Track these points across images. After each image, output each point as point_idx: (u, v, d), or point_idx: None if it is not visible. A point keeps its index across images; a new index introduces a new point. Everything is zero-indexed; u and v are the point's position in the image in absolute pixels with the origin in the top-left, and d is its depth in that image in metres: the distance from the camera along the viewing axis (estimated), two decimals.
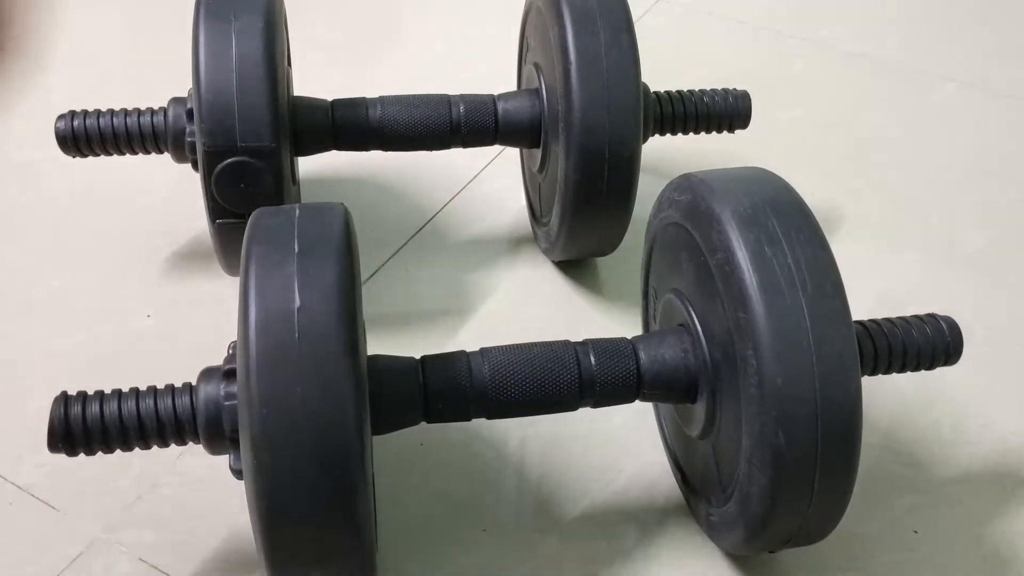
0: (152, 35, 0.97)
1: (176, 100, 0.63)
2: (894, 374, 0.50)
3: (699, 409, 0.50)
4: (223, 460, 0.44)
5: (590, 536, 0.55)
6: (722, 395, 0.47)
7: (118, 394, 0.45)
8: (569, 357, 0.50)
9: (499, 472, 0.58)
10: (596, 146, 0.59)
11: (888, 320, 0.50)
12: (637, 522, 0.56)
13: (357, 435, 0.39)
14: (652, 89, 0.66)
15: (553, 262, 0.73)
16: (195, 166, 0.60)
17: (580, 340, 0.51)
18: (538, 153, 0.67)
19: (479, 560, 0.54)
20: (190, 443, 0.45)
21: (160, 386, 0.45)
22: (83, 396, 0.44)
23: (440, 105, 0.66)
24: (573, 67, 0.59)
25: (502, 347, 0.50)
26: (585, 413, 0.52)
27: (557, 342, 0.51)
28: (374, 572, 0.44)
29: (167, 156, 0.64)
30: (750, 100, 0.68)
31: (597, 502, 0.57)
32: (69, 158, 0.65)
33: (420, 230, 0.76)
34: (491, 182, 0.80)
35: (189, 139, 0.59)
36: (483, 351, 0.50)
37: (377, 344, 0.53)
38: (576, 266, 0.72)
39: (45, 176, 0.79)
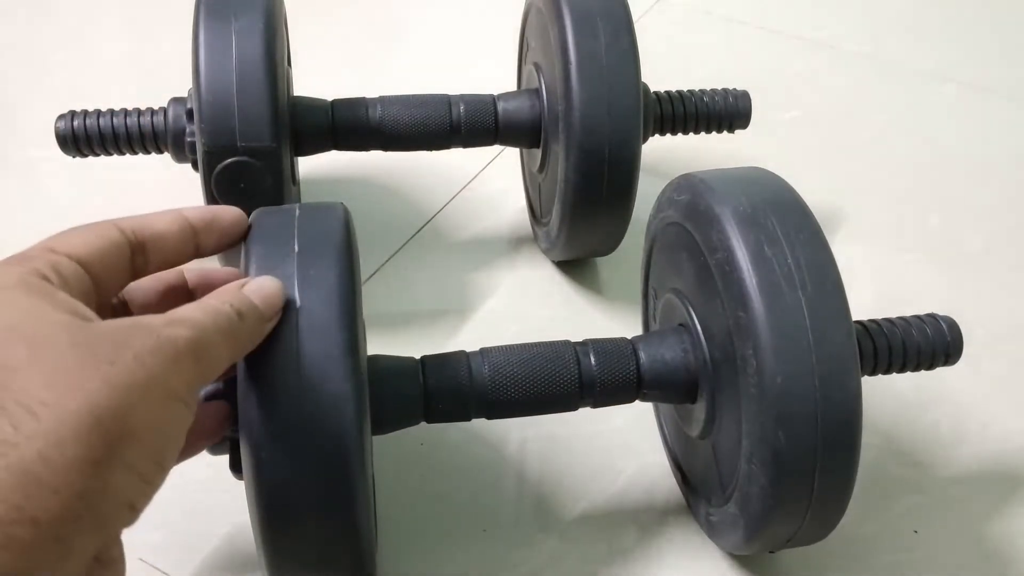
0: (152, 35, 0.97)
1: (176, 100, 0.63)
2: (894, 374, 0.50)
3: (699, 409, 0.50)
4: (223, 460, 0.44)
5: (590, 536, 0.55)
6: (722, 395, 0.47)
7: None
8: (569, 357, 0.50)
9: (499, 472, 0.58)
10: (596, 146, 0.59)
11: (888, 320, 0.50)
12: (637, 522, 0.56)
13: (357, 435, 0.39)
14: (652, 89, 0.66)
15: (553, 262, 0.73)
16: (195, 166, 0.60)
17: (580, 340, 0.51)
18: (538, 153, 0.67)
19: (479, 560, 0.54)
20: None
21: None
22: None
23: (440, 105, 0.66)
24: (573, 67, 0.59)
25: (502, 347, 0.50)
26: (585, 414, 0.52)
27: (557, 342, 0.51)
28: (374, 572, 0.44)
29: (167, 156, 0.64)
30: (750, 100, 0.68)
31: (597, 502, 0.57)
32: (69, 158, 0.65)
33: (420, 230, 0.76)
34: (491, 182, 0.80)
35: (189, 139, 0.59)
36: (483, 351, 0.50)
37: (377, 344, 0.52)
38: (576, 266, 0.72)
39: (45, 176, 0.79)
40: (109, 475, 0.29)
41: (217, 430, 0.41)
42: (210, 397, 0.43)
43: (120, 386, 0.30)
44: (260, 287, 0.38)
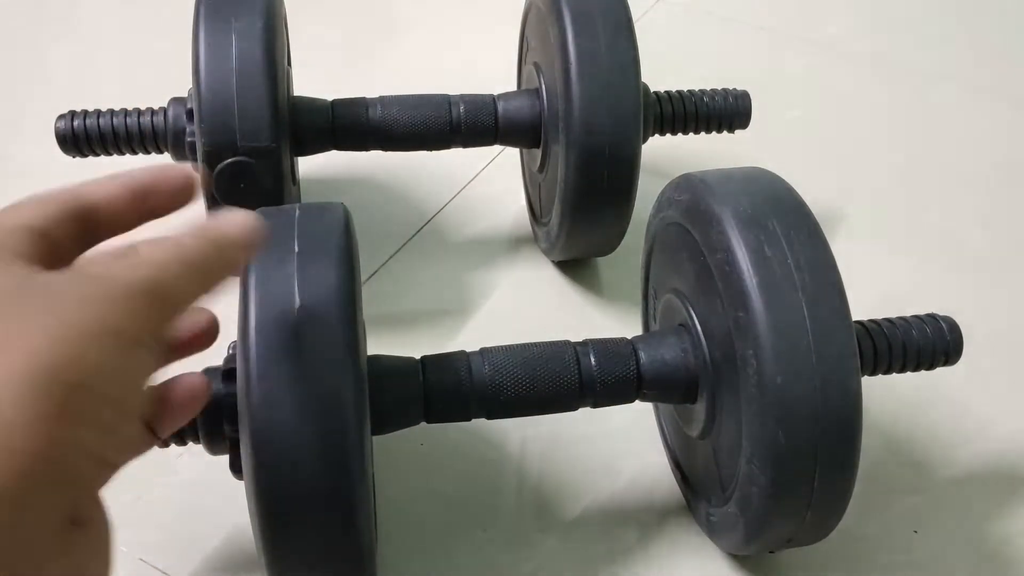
0: (152, 35, 0.97)
1: (176, 100, 0.63)
2: (894, 374, 0.50)
3: (699, 409, 0.50)
4: (223, 460, 0.44)
5: (590, 536, 0.55)
6: (722, 395, 0.47)
7: None
8: (569, 357, 0.50)
9: (499, 472, 0.58)
10: (596, 146, 0.59)
11: (888, 320, 0.50)
12: (637, 522, 0.56)
13: (357, 435, 0.39)
14: (652, 89, 0.66)
15: (553, 262, 0.73)
16: (195, 166, 0.60)
17: (580, 340, 0.51)
18: (538, 153, 0.67)
19: (479, 560, 0.54)
20: (190, 443, 0.45)
21: None
22: None
23: (440, 105, 0.66)
24: (573, 67, 0.59)
25: (502, 347, 0.50)
26: (585, 414, 0.52)
27: (557, 342, 0.51)
28: (374, 572, 0.44)
29: (167, 156, 0.64)
30: (750, 100, 0.68)
31: (597, 502, 0.57)
32: (69, 158, 0.65)
33: (420, 230, 0.76)
34: (491, 182, 0.80)
35: (189, 139, 0.59)
36: (483, 351, 0.50)
37: (377, 344, 0.53)
38: (576, 266, 0.72)
39: (45, 176, 0.79)
40: (68, 430, 0.27)
41: (206, 338, 0.39)
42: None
43: (64, 337, 0.28)
44: (229, 215, 0.35)
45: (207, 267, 0.33)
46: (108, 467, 0.30)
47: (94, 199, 0.36)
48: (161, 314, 0.32)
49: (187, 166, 0.40)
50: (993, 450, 0.61)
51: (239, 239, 0.34)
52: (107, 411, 0.29)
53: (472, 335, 0.67)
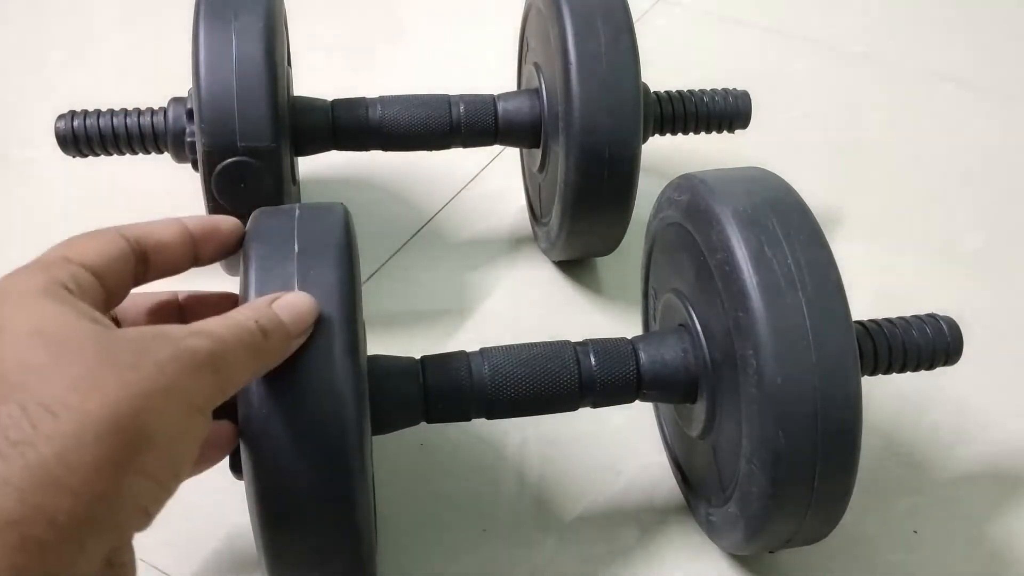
0: (152, 35, 0.97)
1: (176, 100, 0.63)
2: (894, 374, 0.50)
3: (699, 409, 0.50)
4: (223, 460, 0.44)
5: (590, 536, 0.55)
6: (722, 395, 0.47)
7: None
8: (569, 357, 0.50)
9: (499, 472, 0.58)
10: (596, 146, 0.59)
11: (888, 320, 0.50)
12: (637, 522, 0.56)
13: (357, 435, 0.39)
14: (652, 89, 0.66)
15: (553, 262, 0.73)
16: (195, 166, 0.60)
17: (580, 340, 0.51)
18: (538, 153, 0.67)
19: (479, 560, 0.54)
20: None
21: None
22: None
23: (440, 105, 0.66)
24: (573, 67, 0.59)
25: (502, 347, 0.50)
26: (585, 413, 0.52)
27: (557, 342, 0.51)
28: (374, 572, 0.44)
29: (167, 156, 0.64)
30: (750, 100, 0.68)
31: (597, 502, 0.57)
32: (69, 158, 0.65)
33: (420, 230, 0.76)
34: (491, 182, 0.80)
35: (189, 139, 0.59)
36: (483, 351, 0.50)
37: (377, 344, 0.53)
38: (576, 266, 0.72)
39: (45, 176, 0.79)
40: (126, 479, 0.29)
41: (225, 445, 0.41)
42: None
43: (140, 392, 0.30)
44: (290, 304, 0.37)
45: (264, 352, 0.36)
46: (148, 517, 0.31)
47: (150, 243, 0.38)
48: (222, 388, 0.34)
49: (235, 219, 0.42)
50: (993, 450, 0.61)
51: (292, 330, 0.37)
52: (163, 467, 0.31)
53: (472, 335, 0.67)
